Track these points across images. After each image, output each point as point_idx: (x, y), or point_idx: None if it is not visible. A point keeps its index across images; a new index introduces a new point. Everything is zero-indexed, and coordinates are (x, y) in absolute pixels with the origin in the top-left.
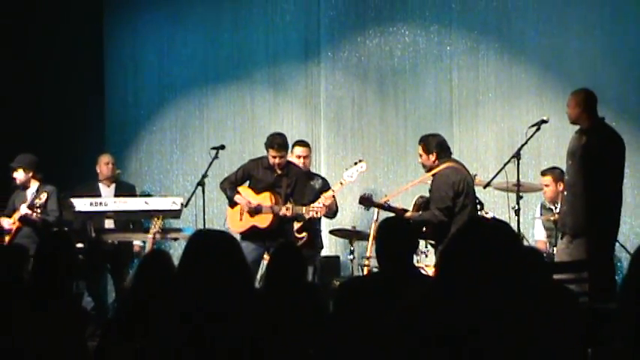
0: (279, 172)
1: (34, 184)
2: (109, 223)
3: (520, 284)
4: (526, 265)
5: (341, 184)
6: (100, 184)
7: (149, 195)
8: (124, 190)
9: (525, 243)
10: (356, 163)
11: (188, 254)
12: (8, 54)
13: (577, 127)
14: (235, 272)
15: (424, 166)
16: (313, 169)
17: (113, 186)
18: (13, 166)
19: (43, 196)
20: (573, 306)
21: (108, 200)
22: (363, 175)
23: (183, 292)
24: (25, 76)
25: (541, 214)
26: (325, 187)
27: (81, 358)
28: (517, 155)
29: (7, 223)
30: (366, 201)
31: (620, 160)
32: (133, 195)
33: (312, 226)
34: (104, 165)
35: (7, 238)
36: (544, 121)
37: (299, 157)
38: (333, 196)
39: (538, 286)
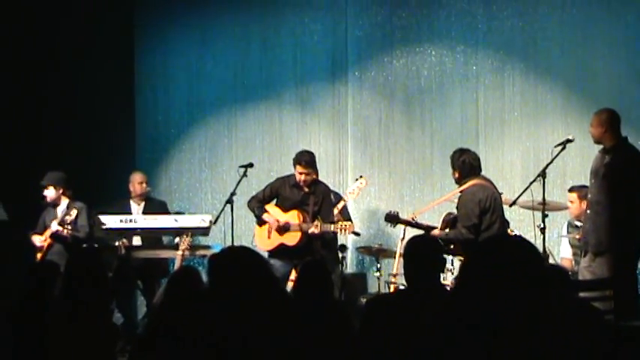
0: (305, 189)
1: (64, 201)
2: (136, 240)
3: (542, 300)
4: (546, 281)
5: (344, 200)
6: (131, 202)
7: (181, 213)
8: (155, 207)
9: (551, 261)
10: (357, 180)
11: (214, 272)
12: (41, 75)
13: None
14: (264, 286)
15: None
16: (341, 188)
17: (143, 203)
18: (43, 184)
19: (73, 213)
20: (600, 324)
21: (137, 217)
22: (389, 194)
23: (213, 309)
24: (58, 96)
25: (568, 232)
26: (337, 201)
27: None
28: (543, 174)
29: (39, 240)
30: (393, 218)
31: None
32: (165, 212)
33: (332, 242)
34: (137, 184)
35: (38, 255)
36: (569, 141)
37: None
38: (345, 208)
39: (562, 303)
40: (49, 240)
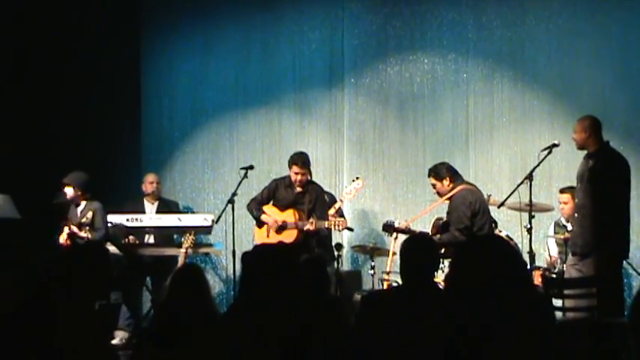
0: (299, 189)
1: (82, 203)
2: (149, 238)
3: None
4: (527, 279)
5: (341, 200)
6: (145, 201)
7: (193, 212)
8: (167, 206)
9: (537, 260)
10: (354, 181)
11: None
12: (54, 83)
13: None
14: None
15: (439, 194)
16: (337, 189)
17: (156, 203)
18: (64, 182)
19: (89, 215)
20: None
21: (144, 217)
22: (383, 195)
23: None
24: (70, 103)
25: (555, 232)
26: (331, 202)
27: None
28: (529, 177)
29: (63, 238)
30: (389, 227)
31: (624, 180)
32: (176, 211)
33: (327, 240)
34: (148, 184)
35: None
36: (555, 145)
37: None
38: (340, 209)
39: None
40: (68, 240)
